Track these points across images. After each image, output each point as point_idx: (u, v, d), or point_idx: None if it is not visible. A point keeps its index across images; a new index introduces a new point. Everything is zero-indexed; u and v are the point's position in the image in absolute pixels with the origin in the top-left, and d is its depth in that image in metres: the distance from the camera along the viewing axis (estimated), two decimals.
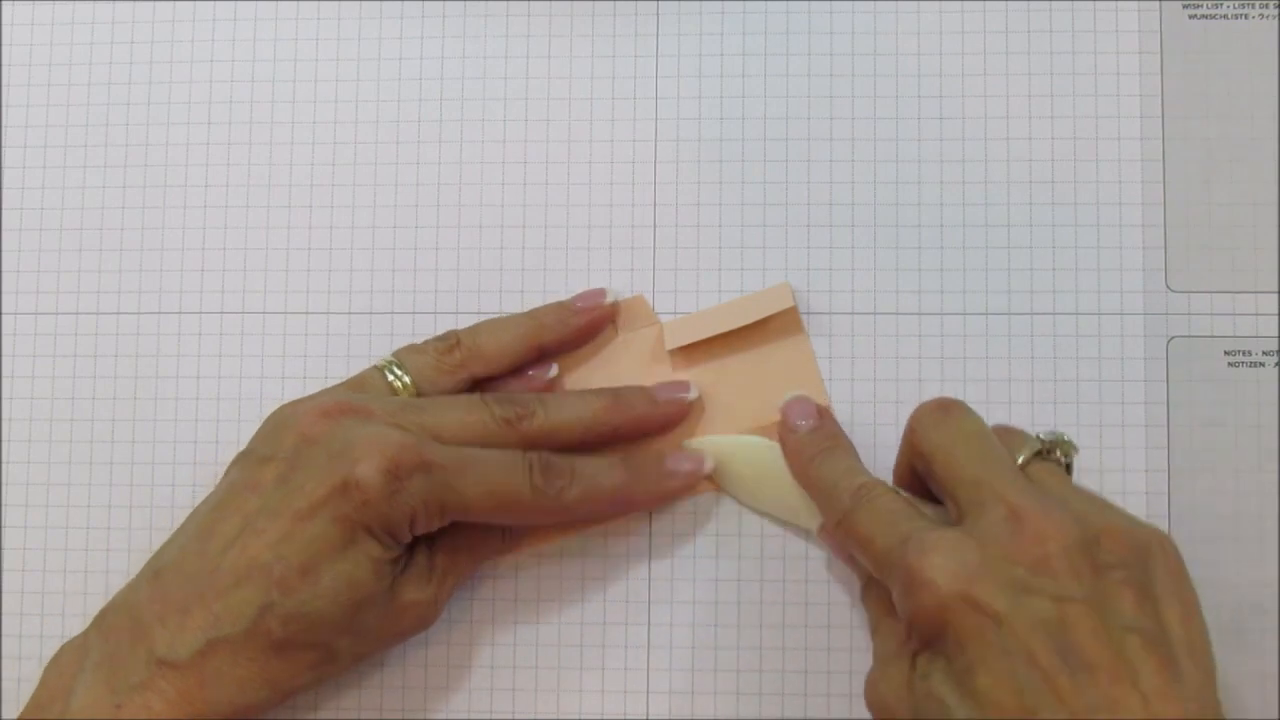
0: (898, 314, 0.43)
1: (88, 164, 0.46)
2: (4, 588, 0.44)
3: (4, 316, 0.45)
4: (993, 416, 0.42)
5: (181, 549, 0.38)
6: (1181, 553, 0.34)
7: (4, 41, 0.46)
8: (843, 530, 0.37)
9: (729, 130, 0.44)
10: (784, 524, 0.42)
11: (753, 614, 0.42)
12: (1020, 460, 0.36)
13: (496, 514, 0.40)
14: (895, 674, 0.35)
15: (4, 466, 0.45)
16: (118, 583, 0.40)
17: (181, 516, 0.40)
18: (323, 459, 0.38)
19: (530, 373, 0.43)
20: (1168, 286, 0.43)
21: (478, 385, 0.42)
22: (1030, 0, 0.44)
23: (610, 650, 0.43)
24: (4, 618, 0.44)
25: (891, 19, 0.44)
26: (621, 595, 0.43)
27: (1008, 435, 0.37)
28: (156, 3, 0.46)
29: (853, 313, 0.44)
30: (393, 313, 0.44)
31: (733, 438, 0.42)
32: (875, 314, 0.43)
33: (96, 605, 0.39)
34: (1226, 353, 0.42)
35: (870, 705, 0.36)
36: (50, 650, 0.39)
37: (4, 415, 0.45)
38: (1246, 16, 0.44)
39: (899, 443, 0.43)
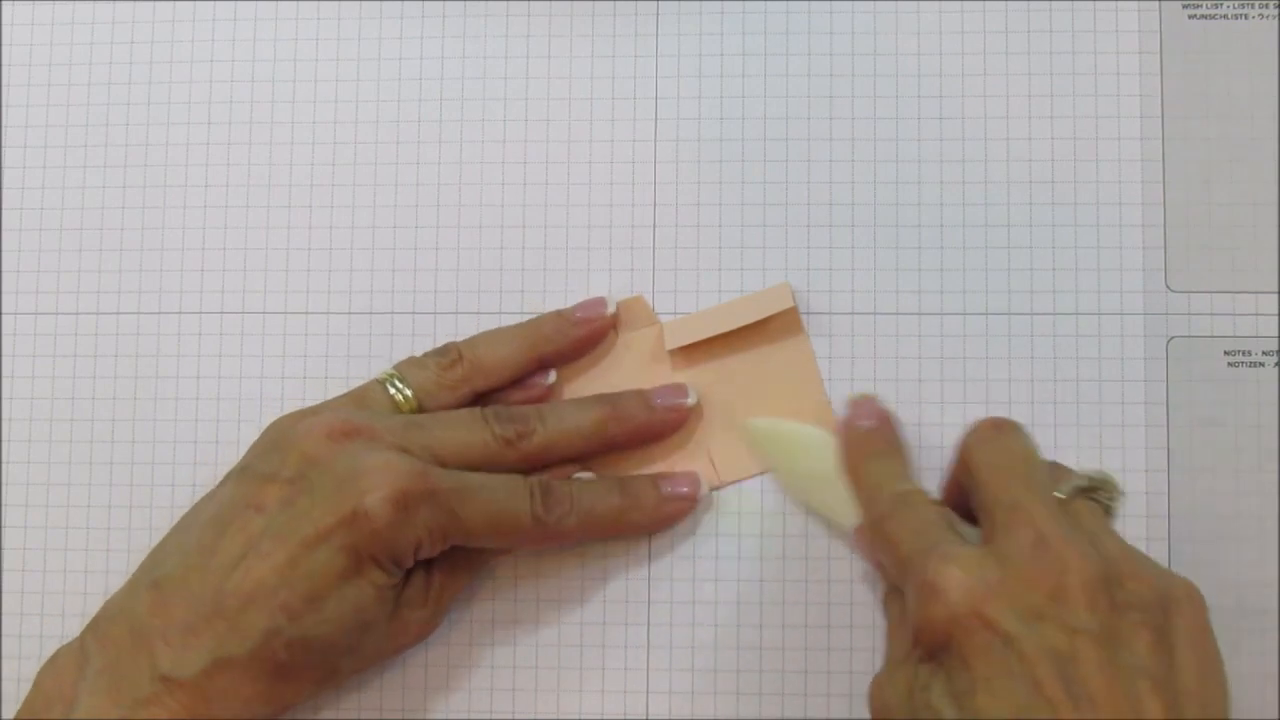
0: (898, 314, 0.43)
1: (88, 164, 0.46)
2: (4, 588, 0.44)
3: (4, 316, 0.45)
4: (993, 416, 0.42)
5: (183, 563, 0.38)
6: (1183, 564, 0.33)
7: (4, 41, 0.46)
8: (876, 531, 0.38)
9: (729, 130, 0.44)
10: (820, 517, 0.42)
11: (752, 614, 0.42)
12: (1062, 493, 0.36)
13: (496, 540, 0.40)
14: (900, 679, 0.34)
15: (4, 466, 0.45)
16: (118, 583, 0.40)
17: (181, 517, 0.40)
18: (330, 485, 0.38)
19: (528, 381, 0.43)
20: (1168, 286, 0.43)
21: (477, 396, 0.42)
22: (1030, 0, 0.44)
23: (610, 650, 0.43)
24: (4, 618, 0.44)
25: (891, 19, 0.44)
26: (621, 595, 0.43)
27: (1055, 469, 0.37)
28: (156, 3, 0.46)
29: (853, 313, 0.44)
30: (393, 313, 0.44)
31: (794, 424, 0.42)
32: (875, 314, 0.43)
33: (96, 605, 0.39)
34: (1226, 353, 0.42)
35: (871, 707, 0.36)
36: (50, 650, 0.39)
37: (4, 415, 0.45)
38: (1246, 16, 0.44)
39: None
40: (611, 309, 0.43)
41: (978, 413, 0.42)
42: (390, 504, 0.37)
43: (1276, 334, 0.42)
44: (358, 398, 0.41)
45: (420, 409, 0.41)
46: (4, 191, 0.46)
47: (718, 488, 0.43)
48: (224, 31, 0.46)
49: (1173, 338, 0.43)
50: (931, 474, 0.42)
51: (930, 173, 0.44)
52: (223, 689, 0.37)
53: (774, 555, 0.43)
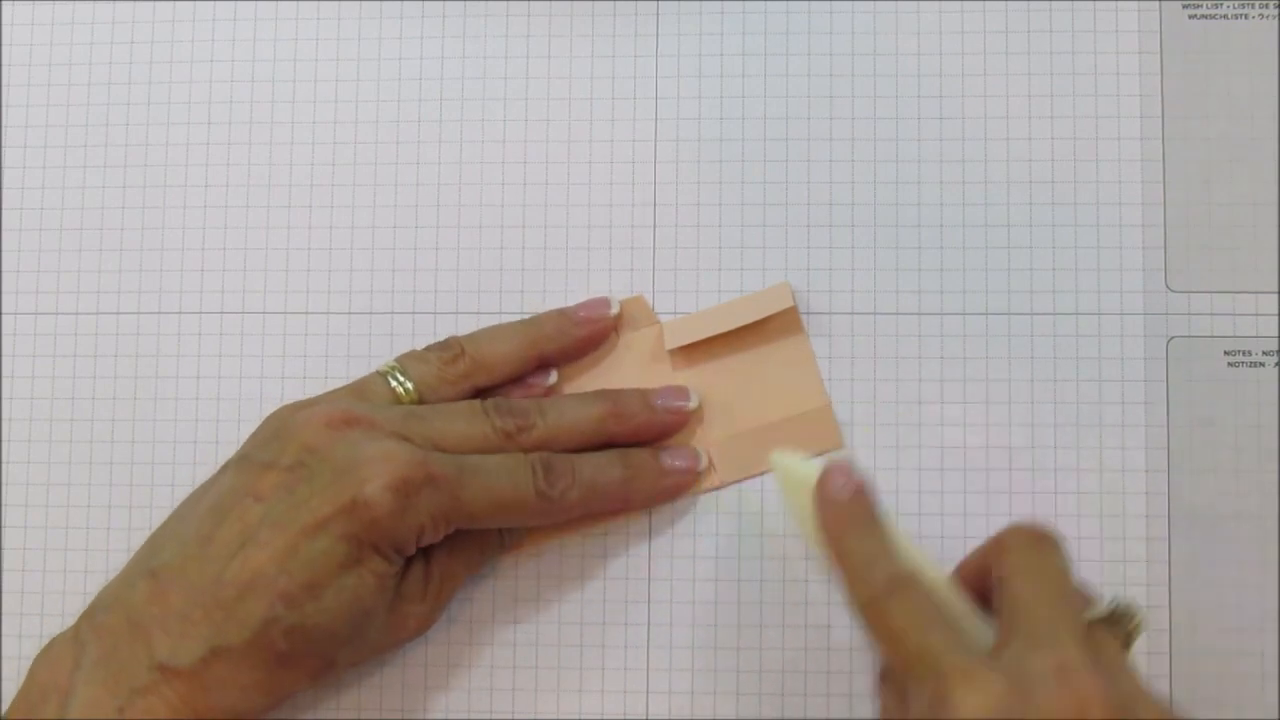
0: (898, 314, 0.43)
1: (88, 164, 0.46)
2: (4, 588, 0.44)
3: (4, 316, 0.45)
4: (993, 416, 0.43)
5: (180, 552, 0.38)
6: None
7: (4, 41, 0.46)
8: (872, 614, 0.36)
9: (729, 130, 0.44)
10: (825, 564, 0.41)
11: (753, 614, 0.42)
12: (1088, 617, 0.35)
13: (501, 519, 0.40)
14: None
15: (4, 466, 0.45)
16: None
17: None
18: (329, 474, 0.37)
19: (529, 380, 0.43)
20: (1168, 286, 0.43)
21: (478, 392, 0.42)
22: (1030, 0, 0.44)
23: (610, 650, 0.43)
24: (4, 618, 0.44)
25: (891, 19, 0.44)
26: (621, 595, 0.43)
27: (1083, 592, 0.37)
28: (156, 3, 0.46)
29: (853, 313, 0.43)
30: (393, 313, 0.44)
31: (811, 462, 0.40)
32: (875, 314, 0.43)
33: None
34: (1226, 353, 0.42)
35: None
36: None
37: (4, 415, 0.45)
38: (1246, 16, 0.44)
39: (899, 446, 0.43)
40: (615, 310, 0.43)
41: (978, 412, 0.43)
42: (390, 491, 0.37)
43: (1276, 334, 0.42)
44: (358, 389, 0.41)
45: (420, 402, 0.41)
46: (4, 191, 0.46)
47: (718, 488, 0.43)
48: (224, 31, 0.46)
49: (1173, 338, 0.43)
50: (930, 474, 0.42)
51: (930, 173, 0.44)
52: (220, 678, 0.37)
53: (774, 555, 0.43)
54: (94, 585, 0.43)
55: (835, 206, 0.44)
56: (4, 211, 0.46)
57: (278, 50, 0.46)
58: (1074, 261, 0.43)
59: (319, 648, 0.38)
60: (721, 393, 0.43)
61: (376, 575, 0.38)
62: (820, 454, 0.43)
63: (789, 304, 0.43)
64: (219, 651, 0.36)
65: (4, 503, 0.45)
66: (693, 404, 0.43)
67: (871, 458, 0.43)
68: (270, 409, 0.41)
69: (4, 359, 0.45)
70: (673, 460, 0.42)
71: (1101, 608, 0.36)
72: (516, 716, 0.42)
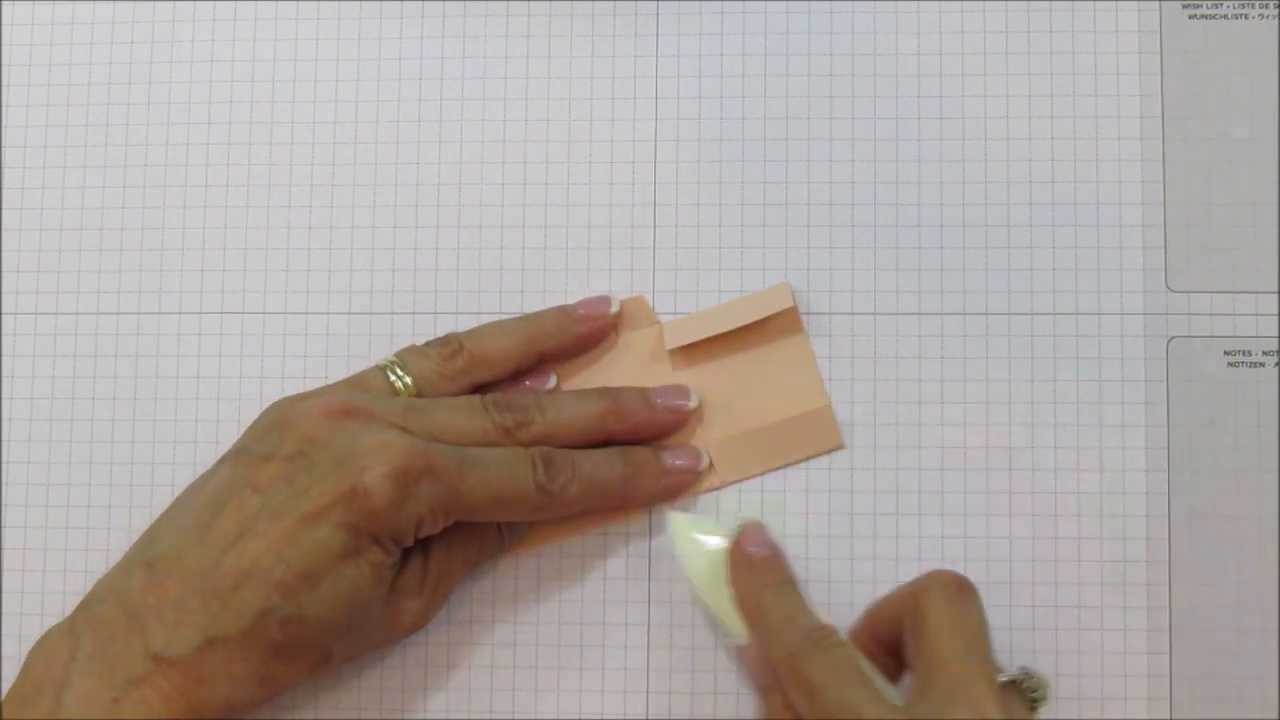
0: (898, 314, 0.43)
1: (88, 164, 0.46)
2: (4, 588, 0.44)
3: (4, 316, 0.45)
4: (993, 416, 0.43)
5: (177, 542, 0.38)
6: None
7: (4, 41, 0.46)
8: (788, 667, 0.37)
9: (729, 130, 0.44)
10: (712, 619, 0.42)
11: None
12: (1000, 679, 0.36)
13: (500, 513, 0.40)
14: None
15: (4, 466, 0.45)
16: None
17: None
18: (328, 464, 0.37)
19: (528, 383, 0.43)
20: (1168, 286, 0.43)
21: (477, 389, 0.42)
22: (1030, 0, 0.44)
23: (610, 650, 0.43)
24: (4, 618, 0.44)
25: (891, 19, 0.44)
26: (621, 595, 0.43)
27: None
28: (156, 3, 0.46)
29: (853, 313, 0.43)
30: (393, 313, 0.44)
31: (711, 526, 0.41)
32: (875, 314, 0.43)
33: None
34: (1226, 353, 0.42)
35: None
36: None
37: (4, 415, 0.45)
38: (1246, 16, 0.44)
39: (899, 446, 0.43)
40: (615, 308, 0.43)
41: (978, 413, 0.43)
42: (390, 481, 0.37)
43: (1276, 334, 0.42)
44: (357, 382, 0.41)
45: (419, 396, 0.41)
46: (4, 191, 0.46)
47: (717, 488, 0.43)
48: (224, 31, 0.46)
49: (1173, 338, 0.43)
50: (930, 474, 0.42)
51: (930, 173, 0.44)
52: (215, 668, 0.36)
53: None
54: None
55: (835, 206, 0.44)
56: (4, 211, 0.46)
57: (278, 50, 0.46)
58: (1074, 261, 0.43)
59: (315, 639, 0.38)
60: (721, 393, 0.43)
61: (374, 566, 0.38)
62: (819, 454, 0.43)
63: (789, 304, 0.43)
64: (214, 641, 0.36)
65: (4, 503, 0.45)
66: (692, 403, 0.43)
67: (871, 458, 0.43)
68: None
69: (4, 359, 0.45)
70: (673, 459, 0.42)
71: (1011, 672, 0.37)
72: (516, 716, 0.42)
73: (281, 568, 0.37)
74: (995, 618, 0.42)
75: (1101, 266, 0.43)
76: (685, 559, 0.41)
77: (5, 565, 0.44)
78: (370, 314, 0.45)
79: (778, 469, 0.43)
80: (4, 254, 0.46)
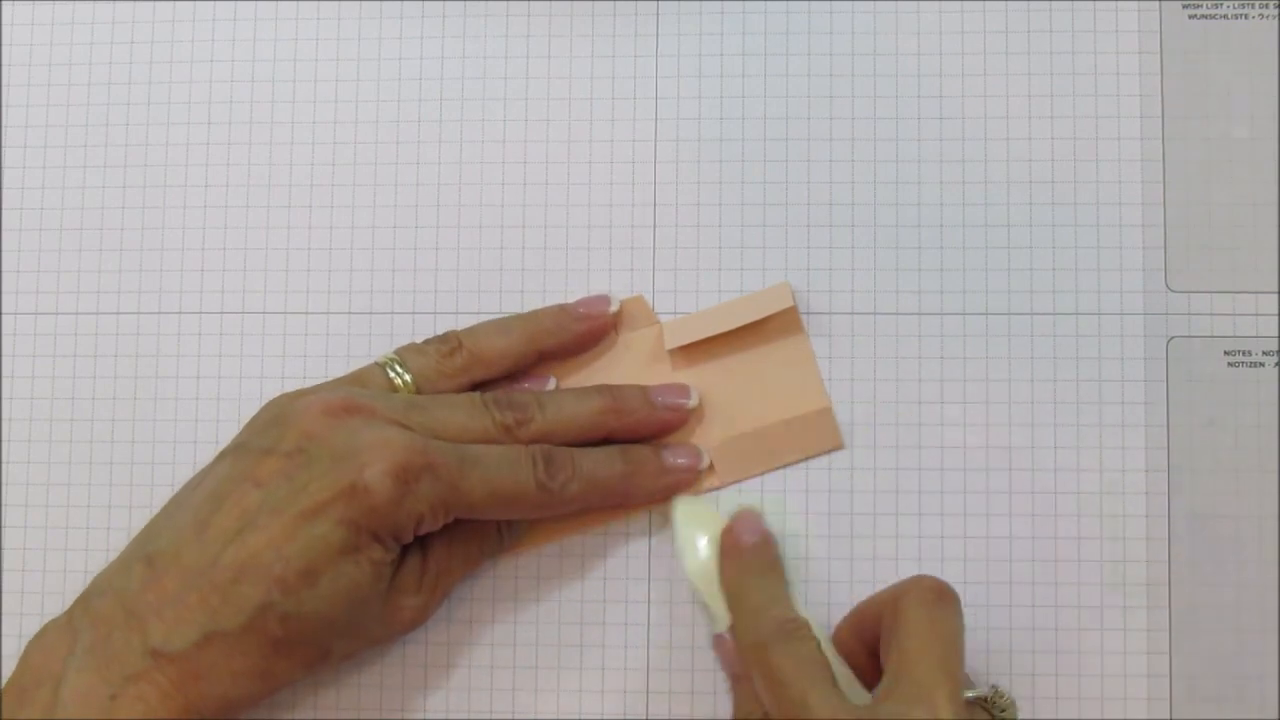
0: (898, 314, 0.43)
1: (88, 164, 0.46)
2: (4, 587, 0.44)
3: (4, 316, 0.45)
4: (993, 416, 0.43)
5: (176, 538, 0.38)
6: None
7: (4, 41, 0.46)
8: (756, 655, 0.38)
9: (729, 130, 0.44)
10: (700, 604, 0.42)
11: None
12: (968, 694, 0.36)
13: (500, 510, 0.40)
14: None
15: (4, 466, 0.45)
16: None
17: None
18: (328, 460, 0.37)
19: (527, 385, 0.43)
20: (1168, 286, 0.43)
21: (476, 386, 0.42)
22: (1030, 0, 0.44)
23: (610, 650, 0.43)
24: (4, 618, 0.44)
25: (891, 19, 0.44)
26: (621, 595, 0.43)
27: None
28: (156, 3, 0.46)
29: (853, 313, 0.43)
30: (393, 313, 0.44)
31: (708, 509, 0.42)
32: (875, 314, 0.43)
33: None
34: (1226, 353, 0.42)
35: None
36: None
37: (4, 415, 0.45)
38: (1246, 16, 0.44)
39: (899, 446, 0.43)
40: (614, 307, 0.43)
41: (978, 413, 0.43)
42: (390, 478, 0.37)
43: (1276, 334, 0.42)
44: (356, 379, 0.41)
45: (418, 394, 0.41)
46: (4, 191, 0.46)
47: (717, 488, 0.43)
48: (224, 31, 0.46)
49: (1173, 338, 0.43)
50: (930, 474, 0.42)
51: (930, 173, 0.44)
52: (214, 663, 0.36)
53: None
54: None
55: (835, 206, 0.44)
56: (4, 211, 0.46)
57: (278, 50, 0.46)
58: (1074, 261, 0.43)
59: (314, 635, 0.38)
60: (721, 393, 0.43)
61: (373, 563, 0.38)
62: (820, 455, 0.43)
63: (789, 304, 0.43)
64: (213, 637, 0.36)
65: (4, 502, 0.45)
66: (693, 402, 0.43)
67: (871, 458, 0.43)
68: None
69: (4, 359, 0.45)
70: (674, 458, 0.42)
71: (978, 690, 0.37)
72: (516, 716, 0.42)
73: (281, 563, 0.37)
74: (995, 618, 0.42)
75: (1101, 266, 0.43)
76: (683, 543, 0.41)
77: (5, 565, 0.44)
78: (370, 314, 0.45)
79: (778, 469, 0.43)
80: (4, 254, 0.46)
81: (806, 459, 0.43)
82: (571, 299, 0.44)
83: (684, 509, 0.42)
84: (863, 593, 0.42)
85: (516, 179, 0.45)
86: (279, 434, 0.39)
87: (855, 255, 0.44)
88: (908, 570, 0.42)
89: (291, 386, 0.44)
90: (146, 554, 0.38)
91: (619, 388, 0.42)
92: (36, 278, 0.45)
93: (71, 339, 0.45)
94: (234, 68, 0.46)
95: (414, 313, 0.44)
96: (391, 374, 0.41)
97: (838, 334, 0.43)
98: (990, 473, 0.42)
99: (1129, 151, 0.44)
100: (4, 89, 0.46)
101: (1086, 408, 0.43)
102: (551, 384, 0.43)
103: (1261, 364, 0.42)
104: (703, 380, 0.43)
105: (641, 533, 0.43)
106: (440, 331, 0.44)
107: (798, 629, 0.38)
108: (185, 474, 0.44)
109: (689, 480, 0.42)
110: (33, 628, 0.39)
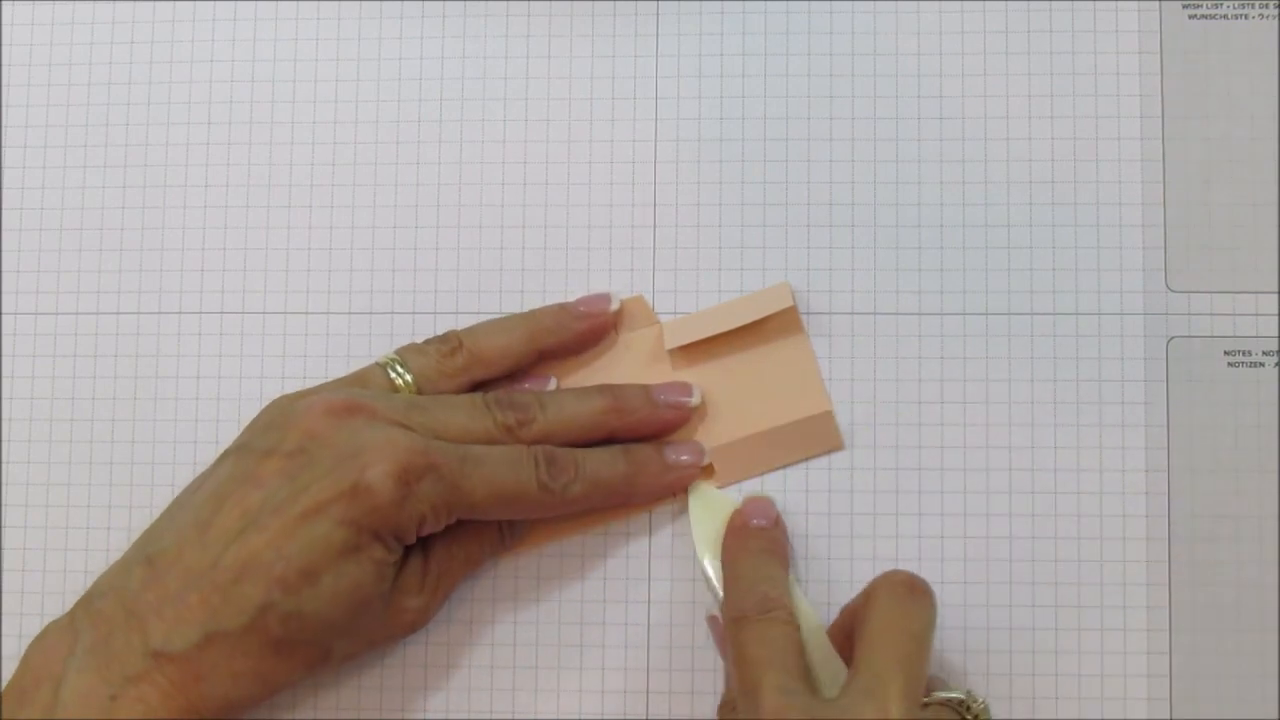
0: (898, 314, 0.43)
1: (88, 164, 0.46)
2: (4, 587, 0.44)
3: (4, 316, 0.45)
4: (993, 417, 0.43)
5: (178, 539, 0.38)
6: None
7: (4, 41, 0.46)
8: (731, 630, 0.38)
9: (729, 130, 0.44)
10: (706, 585, 0.42)
11: None
12: (931, 696, 0.36)
13: (502, 511, 0.40)
14: None
15: (4, 466, 0.45)
16: None
17: None
18: (330, 460, 0.37)
19: (527, 385, 0.43)
20: (1168, 286, 0.43)
21: (476, 386, 0.42)
22: (1030, 0, 0.44)
23: (610, 650, 0.43)
24: (4, 618, 0.44)
25: (891, 19, 0.44)
26: (621, 595, 0.43)
27: (933, 679, 0.38)
28: (156, 3, 0.46)
29: (853, 313, 0.44)
30: (393, 313, 0.44)
31: (724, 495, 0.42)
32: (875, 314, 0.43)
33: None
34: (1226, 353, 0.42)
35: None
36: None
37: (4, 415, 0.45)
38: (1246, 16, 0.44)
39: (899, 446, 0.43)
40: (615, 306, 0.43)
41: (978, 413, 0.43)
42: (392, 478, 0.37)
43: (1276, 334, 0.42)
44: (357, 379, 0.41)
45: (419, 394, 0.41)
46: (4, 191, 0.46)
47: (717, 488, 0.43)
48: (224, 31, 0.46)
49: (1173, 338, 0.43)
50: (930, 474, 0.42)
51: (930, 173, 0.44)
52: (215, 664, 0.36)
53: None
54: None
55: (835, 206, 0.44)
56: (4, 211, 0.46)
57: (278, 50, 0.46)
58: (1074, 261, 0.43)
59: (315, 636, 0.38)
60: (722, 393, 0.43)
61: (375, 563, 0.38)
62: (821, 455, 0.43)
63: (789, 304, 0.43)
64: (214, 637, 0.36)
65: (4, 503, 0.45)
66: (695, 400, 0.43)
67: (871, 458, 0.43)
68: None
69: (4, 359, 0.45)
70: (676, 455, 0.42)
71: (947, 690, 0.37)
72: (516, 716, 0.43)
73: (282, 563, 0.37)
74: (995, 618, 0.42)
75: (1101, 266, 0.43)
76: (696, 524, 0.42)
77: (5, 565, 0.44)
78: (370, 314, 0.45)
79: (778, 469, 0.43)
80: (4, 254, 0.46)
81: (807, 459, 0.43)
82: (571, 299, 0.44)
83: (700, 491, 0.42)
84: None
85: (516, 179, 0.45)
86: (281, 434, 0.39)
87: (855, 255, 0.44)
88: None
89: (291, 387, 0.44)
90: (148, 554, 0.38)
91: (620, 387, 0.42)
92: (36, 278, 0.45)
93: (71, 339, 0.45)
94: (234, 68, 0.46)
95: (414, 313, 0.44)
96: (392, 374, 0.41)
97: (838, 334, 0.43)
98: (990, 473, 0.42)
99: (1129, 151, 0.44)
100: (4, 89, 0.46)
101: (1086, 408, 0.43)
102: (552, 384, 0.43)
103: (1261, 364, 0.42)
104: (703, 380, 0.43)
105: (641, 533, 0.43)
106: (440, 331, 0.44)
107: (776, 610, 0.37)
108: (185, 474, 0.44)
109: (693, 477, 0.42)
110: (33, 628, 0.39)
